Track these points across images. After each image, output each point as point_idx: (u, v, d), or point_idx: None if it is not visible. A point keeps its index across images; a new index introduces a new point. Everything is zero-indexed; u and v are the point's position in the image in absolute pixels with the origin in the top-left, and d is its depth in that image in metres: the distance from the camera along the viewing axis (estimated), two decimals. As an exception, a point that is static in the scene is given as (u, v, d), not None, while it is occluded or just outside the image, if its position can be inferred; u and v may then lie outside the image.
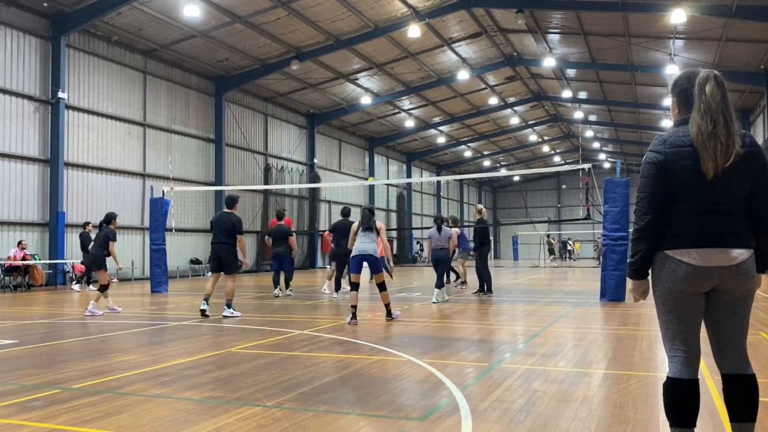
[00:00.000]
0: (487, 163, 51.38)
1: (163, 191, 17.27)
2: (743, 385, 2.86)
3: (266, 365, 5.74)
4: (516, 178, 59.51)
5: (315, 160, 32.67)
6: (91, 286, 17.22)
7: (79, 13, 18.75)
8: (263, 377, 5.20)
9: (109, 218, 11.00)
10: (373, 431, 3.78)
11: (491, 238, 17.15)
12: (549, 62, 27.65)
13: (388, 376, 5.25)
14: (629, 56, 25.74)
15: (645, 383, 4.92)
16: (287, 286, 14.35)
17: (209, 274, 10.56)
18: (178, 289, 16.84)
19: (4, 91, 17.74)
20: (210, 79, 25.73)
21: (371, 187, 37.14)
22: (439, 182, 49.83)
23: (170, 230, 16.78)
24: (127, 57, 21.93)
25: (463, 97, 33.68)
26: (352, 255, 9.18)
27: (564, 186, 54.04)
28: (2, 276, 16.60)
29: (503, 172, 52.53)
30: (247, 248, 11.17)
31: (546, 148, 50.71)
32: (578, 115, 37.88)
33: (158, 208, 16.24)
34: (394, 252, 34.54)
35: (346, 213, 13.42)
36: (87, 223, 17.28)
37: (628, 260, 3.03)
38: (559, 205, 58.14)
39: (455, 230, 13.66)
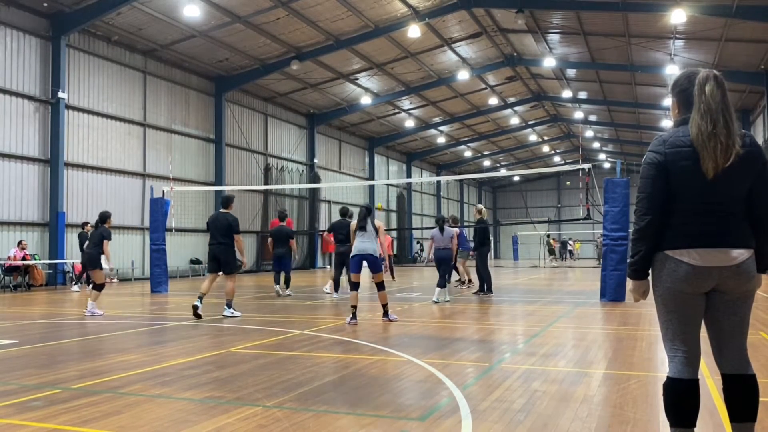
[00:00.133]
0: (487, 163, 51.38)
1: (163, 191, 17.27)
2: (743, 385, 2.86)
3: (266, 365, 5.74)
4: (516, 178, 59.50)
5: (315, 160, 32.67)
6: (91, 286, 17.22)
7: (79, 13, 18.75)
8: (263, 377, 5.20)
9: (104, 217, 10.92)
10: (373, 431, 3.78)
11: (491, 238, 17.14)
12: (549, 62, 27.66)
13: (388, 376, 5.25)
14: (629, 56, 25.74)
15: (645, 383, 4.92)
16: (287, 286, 14.38)
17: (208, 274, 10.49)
18: (178, 289, 16.84)
19: (4, 91, 17.74)
20: (210, 79, 25.73)
21: (371, 188, 37.15)
22: (439, 182, 49.83)
23: (170, 230, 16.78)
24: (127, 57, 21.93)
25: (463, 97, 33.68)
26: (351, 255, 9.18)
27: (568, 182, 54.04)
28: (2, 276, 16.60)
29: (503, 172, 52.53)
30: (245, 248, 11.18)
31: (546, 148, 50.71)
32: (578, 115, 37.88)
33: (158, 208, 16.24)
34: (394, 252, 34.56)
35: (344, 213, 13.43)
36: (86, 223, 17.28)
37: (628, 260, 3.03)
38: (559, 205, 58.15)
39: (455, 230, 13.66)
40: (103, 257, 10.69)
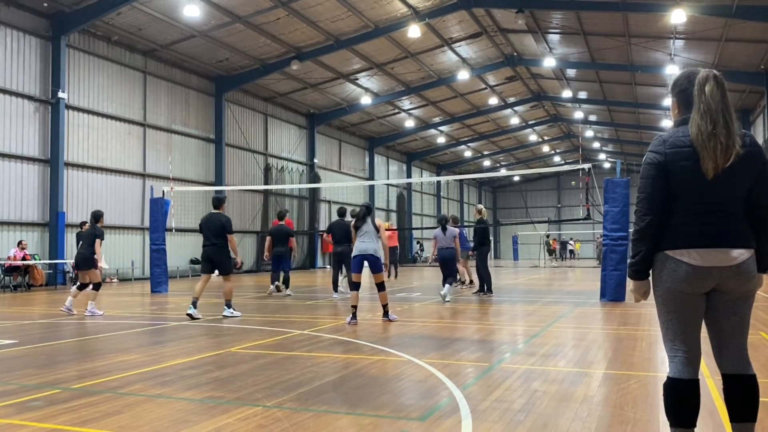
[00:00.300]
0: (487, 163, 51.37)
1: (163, 191, 17.27)
2: (743, 386, 2.86)
3: (266, 365, 5.74)
4: (516, 178, 59.49)
5: (315, 160, 32.66)
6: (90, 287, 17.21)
7: (79, 13, 18.75)
8: (263, 377, 5.20)
9: (97, 216, 10.87)
10: (373, 431, 3.78)
11: (491, 238, 17.14)
12: (549, 62, 27.65)
13: (388, 376, 5.25)
14: (629, 56, 25.74)
15: (645, 383, 4.92)
16: (287, 286, 14.38)
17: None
18: (178, 289, 16.84)
19: (4, 91, 17.74)
20: (210, 79, 25.73)
21: (371, 188, 37.15)
22: (439, 182, 49.82)
23: (170, 230, 16.78)
24: (127, 57, 21.93)
25: (463, 97, 33.68)
26: (352, 255, 9.18)
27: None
28: (2, 276, 16.60)
29: (503, 172, 52.53)
30: (238, 247, 11.16)
31: (546, 148, 50.71)
32: (578, 115, 37.88)
33: (158, 208, 16.24)
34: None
35: (342, 213, 13.43)
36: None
37: (628, 261, 3.04)
38: (559, 205, 58.15)
39: (455, 230, 13.65)
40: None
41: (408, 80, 29.93)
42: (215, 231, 9.88)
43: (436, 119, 37.48)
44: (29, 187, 18.38)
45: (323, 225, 31.52)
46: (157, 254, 15.91)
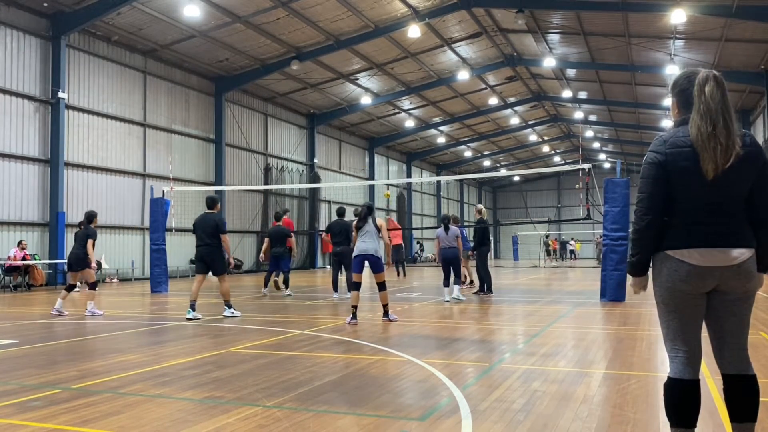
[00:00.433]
0: (487, 163, 51.37)
1: (163, 191, 17.27)
2: (744, 386, 2.87)
3: (266, 365, 5.74)
4: (516, 178, 59.49)
5: (315, 160, 32.66)
6: (87, 288, 17.20)
7: (79, 13, 18.75)
8: (263, 377, 5.20)
9: (90, 217, 10.86)
10: (373, 431, 3.78)
11: (491, 238, 17.15)
12: (549, 62, 27.65)
13: (388, 376, 5.25)
14: (629, 56, 25.73)
15: (645, 383, 4.92)
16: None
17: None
18: (178, 289, 16.83)
19: (4, 91, 17.74)
20: (210, 79, 25.72)
21: (371, 187, 37.15)
22: (439, 182, 49.81)
23: (170, 230, 16.78)
24: (127, 57, 21.92)
25: (463, 97, 33.68)
26: (353, 255, 9.19)
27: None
28: (2, 276, 16.60)
29: (503, 172, 52.52)
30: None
31: (546, 148, 50.71)
32: (578, 115, 37.87)
33: (158, 208, 16.24)
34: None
35: (341, 213, 13.43)
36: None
37: (628, 260, 3.04)
38: (559, 205, 58.14)
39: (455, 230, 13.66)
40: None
41: (408, 80, 29.93)
42: (209, 231, 9.82)
43: (436, 119, 37.48)
44: (29, 187, 18.38)
45: (323, 225, 31.51)
46: (157, 254, 15.90)
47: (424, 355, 6.17)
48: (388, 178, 40.94)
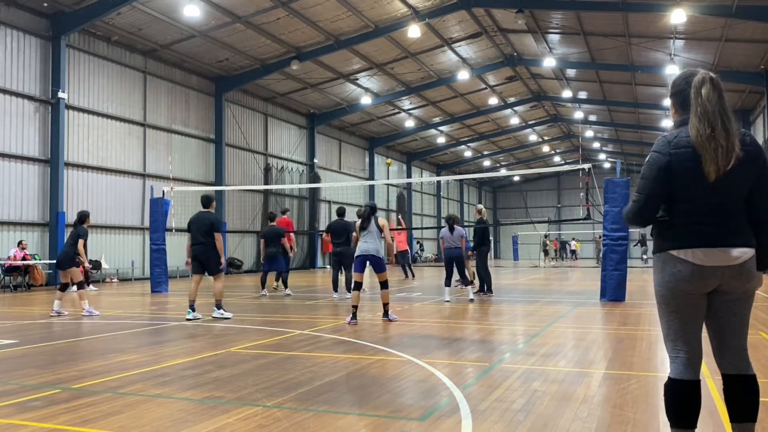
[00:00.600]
0: (487, 163, 51.36)
1: (163, 191, 17.27)
2: (744, 386, 2.87)
3: (266, 365, 5.74)
4: (516, 178, 59.48)
5: (315, 160, 32.66)
6: (91, 286, 17.22)
7: (79, 13, 18.74)
8: (263, 377, 5.20)
9: (82, 217, 10.83)
10: (373, 431, 3.78)
11: (491, 238, 17.16)
12: (549, 62, 27.64)
13: (388, 376, 5.25)
14: (629, 56, 25.73)
15: (645, 383, 4.92)
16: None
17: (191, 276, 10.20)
18: (178, 289, 16.83)
19: (4, 91, 17.74)
20: (210, 79, 25.72)
21: (371, 187, 37.14)
22: (439, 182, 49.80)
23: (170, 230, 16.78)
24: (127, 57, 21.92)
25: (463, 97, 33.67)
26: (355, 255, 9.21)
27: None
28: (2, 276, 16.60)
29: (503, 172, 52.51)
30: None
31: (546, 148, 50.70)
32: (578, 115, 37.86)
33: (158, 208, 16.23)
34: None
35: (341, 213, 13.44)
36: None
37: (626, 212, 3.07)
38: (559, 205, 58.14)
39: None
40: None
41: (408, 80, 29.92)
42: (204, 230, 9.69)
43: (436, 119, 37.47)
44: (29, 187, 18.38)
45: (323, 225, 31.52)
46: (157, 254, 15.91)
47: (424, 355, 6.17)
48: (388, 178, 40.94)
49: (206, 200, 10.08)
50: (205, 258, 9.71)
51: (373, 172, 39.12)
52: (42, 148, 18.69)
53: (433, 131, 39.94)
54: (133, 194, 22.03)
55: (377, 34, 23.76)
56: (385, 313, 9.13)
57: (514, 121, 40.29)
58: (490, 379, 5.09)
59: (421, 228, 43.08)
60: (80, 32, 19.83)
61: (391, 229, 10.80)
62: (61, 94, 18.69)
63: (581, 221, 15.97)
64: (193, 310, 9.53)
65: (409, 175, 44.27)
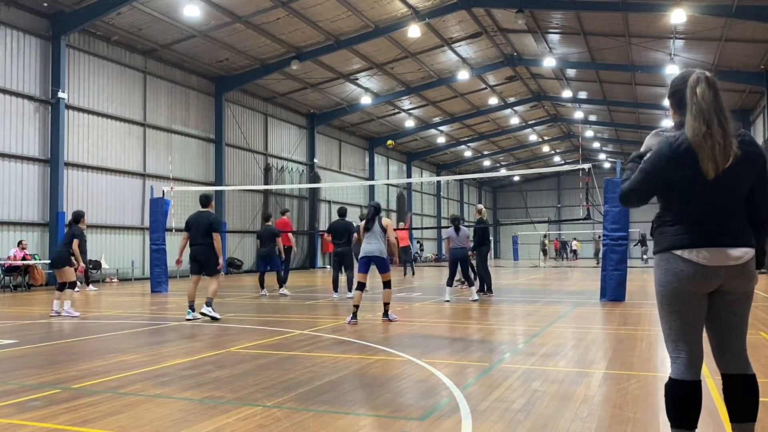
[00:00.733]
0: (487, 163, 51.36)
1: (163, 191, 17.26)
2: (743, 385, 2.87)
3: (266, 365, 5.74)
4: (516, 178, 59.47)
5: (315, 160, 32.66)
6: (91, 286, 17.23)
7: (79, 13, 18.74)
8: (263, 377, 5.20)
9: (77, 217, 10.81)
10: (373, 431, 3.78)
11: (491, 238, 17.16)
12: (549, 62, 27.64)
13: (388, 376, 5.25)
14: (629, 56, 25.73)
15: (645, 383, 4.92)
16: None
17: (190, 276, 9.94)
18: (179, 289, 16.83)
19: (4, 91, 17.73)
20: (210, 79, 25.72)
21: (371, 187, 37.14)
22: (439, 182, 49.80)
23: (170, 230, 16.78)
24: (127, 57, 21.92)
25: (463, 97, 33.66)
26: (360, 256, 9.25)
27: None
28: (2, 276, 16.60)
29: (503, 172, 52.51)
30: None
31: (546, 148, 50.69)
32: (578, 115, 37.86)
33: (158, 208, 16.23)
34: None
35: (342, 213, 13.45)
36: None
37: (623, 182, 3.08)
38: (559, 205, 58.14)
39: (446, 231, 13.70)
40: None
41: (408, 80, 29.92)
42: (203, 230, 9.55)
43: (436, 119, 37.47)
44: (29, 187, 18.38)
45: (323, 225, 31.52)
46: (157, 254, 15.91)
47: (424, 355, 6.17)
48: (388, 178, 40.95)
49: (205, 200, 9.96)
50: (204, 258, 9.58)
51: (373, 172, 39.12)
52: (42, 148, 18.69)
53: (433, 131, 39.94)
54: (133, 194, 22.02)
55: (377, 34, 23.75)
56: (385, 313, 9.13)
57: (514, 121, 40.28)
58: (490, 379, 5.09)
59: (421, 228, 43.06)
60: (80, 32, 19.82)
61: (394, 229, 10.81)
62: (61, 94, 18.69)
63: (581, 221, 15.97)
64: (193, 310, 9.50)
65: (409, 175, 44.27)
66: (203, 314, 9.41)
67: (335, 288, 13.45)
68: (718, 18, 19.99)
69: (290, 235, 16.06)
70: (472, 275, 12.90)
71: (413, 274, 22.69)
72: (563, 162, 54.17)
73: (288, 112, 31.10)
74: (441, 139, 42.31)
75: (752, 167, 2.79)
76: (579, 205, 16.51)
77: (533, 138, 46.73)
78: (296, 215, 30.63)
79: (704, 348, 2.93)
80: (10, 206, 17.79)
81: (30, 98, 18.40)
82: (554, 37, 25.86)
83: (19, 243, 17.00)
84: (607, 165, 46.20)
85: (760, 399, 2.94)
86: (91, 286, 17.23)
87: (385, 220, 9.35)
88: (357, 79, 28.78)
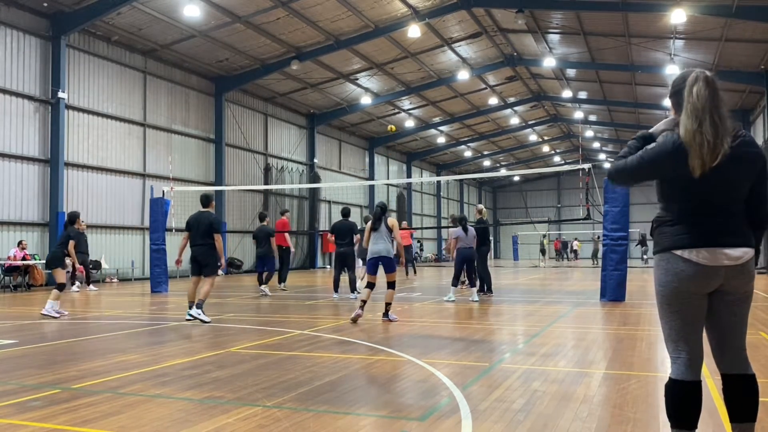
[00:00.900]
0: (487, 163, 51.36)
1: (163, 191, 17.26)
2: (743, 386, 2.87)
3: (266, 365, 5.74)
4: (516, 178, 59.47)
5: (315, 160, 32.66)
6: (91, 286, 17.23)
7: (79, 13, 18.74)
8: (263, 377, 5.20)
9: (72, 218, 10.79)
10: (373, 431, 3.78)
11: (491, 238, 17.17)
12: (549, 62, 27.63)
13: (388, 376, 5.25)
14: (629, 56, 25.72)
15: (645, 383, 4.92)
16: (262, 283, 14.23)
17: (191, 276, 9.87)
18: (179, 289, 16.82)
19: (4, 91, 17.73)
20: (210, 79, 25.72)
21: (371, 187, 37.13)
22: (439, 182, 49.81)
23: (170, 230, 16.78)
24: (127, 57, 21.92)
25: (463, 97, 33.66)
26: (367, 258, 9.29)
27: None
28: (2, 276, 16.59)
29: (503, 172, 52.50)
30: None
31: (546, 148, 50.69)
32: (578, 115, 37.86)
33: (158, 208, 16.23)
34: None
35: (346, 213, 13.45)
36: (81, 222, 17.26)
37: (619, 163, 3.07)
38: (559, 205, 58.15)
39: (453, 230, 13.71)
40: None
41: (408, 80, 29.92)
42: (203, 230, 9.47)
43: (436, 119, 37.47)
44: (29, 187, 18.38)
45: (323, 225, 31.52)
46: (157, 254, 15.90)
47: (424, 355, 6.17)
48: (388, 178, 40.96)
49: (205, 200, 9.91)
50: (204, 259, 9.51)
51: (373, 172, 39.12)
52: (42, 148, 18.69)
53: (433, 131, 39.93)
54: (133, 194, 22.03)
55: (377, 34, 23.75)
56: (386, 313, 9.14)
57: (514, 121, 40.28)
58: (490, 379, 5.09)
59: (421, 228, 43.05)
60: (80, 32, 19.82)
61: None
62: (61, 94, 18.69)
63: (581, 221, 15.97)
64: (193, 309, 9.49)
65: (409, 175, 44.27)
66: (193, 317, 9.17)
67: (336, 288, 13.44)
68: (718, 18, 19.99)
69: (287, 235, 16.04)
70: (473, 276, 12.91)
71: (414, 273, 22.86)
72: (563, 162, 54.17)
73: (288, 112, 31.10)
74: (441, 139, 42.31)
75: (752, 168, 2.80)
76: (579, 205, 16.50)
77: (533, 138, 46.73)
78: (296, 215, 30.63)
79: (704, 348, 2.94)
80: (10, 206, 17.79)
81: (30, 98, 18.40)
82: (554, 37, 25.86)
83: (19, 243, 17.00)
84: (607, 165, 46.16)
85: (760, 399, 2.94)
86: (91, 286, 17.24)
87: (390, 220, 9.37)
88: (357, 79, 28.77)
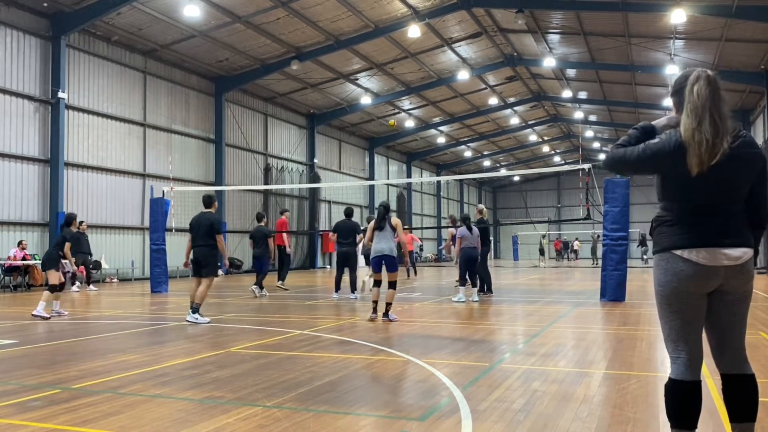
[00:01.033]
0: (487, 163, 51.36)
1: (163, 191, 17.26)
2: (743, 385, 2.87)
3: (266, 365, 5.74)
4: (516, 178, 59.47)
5: (315, 160, 32.66)
6: (92, 286, 17.23)
7: (79, 13, 18.74)
8: (263, 377, 5.20)
9: (69, 220, 10.85)
10: (373, 431, 3.78)
11: (491, 238, 17.16)
12: (549, 62, 27.63)
13: (388, 376, 5.25)
14: (629, 56, 25.72)
15: (645, 383, 4.92)
16: (256, 282, 14.24)
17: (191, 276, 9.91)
18: (178, 289, 16.83)
19: (4, 91, 17.73)
20: (210, 79, 25.72)
21: (371, 187, 37.12)
22: (439, 182, 49.82)
23: (170, 230, 16.78)
24: (127, 57, 21.92)
25: (463, 97, 33.66)
26: (371, 256, 9.34)
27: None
28: (2, 276, 16.60)
29: (503, 172, 52.50)
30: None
31: (546, 148, 50.70)
32: (578, 115, 37.86)
33: (158, 208, 16.23)
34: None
35: (348, 213, 13.45)
36: (81, 222, 17.28)
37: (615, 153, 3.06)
38: (559, 205, 58.15)
39: (451, 230, 13.71)
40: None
41: (408, 80, 29.92)
42: (203, 231, 9.47)
43: (436, 119, 37.46)
44: (29, 187, 18.38)
45: (323, 225, 31.52)
46: (157, 254, 15.90)
47: (424, 355, 6.17)
48: (388, 178, 40.96)
49: (207, 200, 9.91)
50: (204, 260, 9.48)
51: (373, 172, 39.12)
52: (42, 148, 18.69)
53: (433, 131, 39.94)
54: (133, 194, 22.02)
55: (377, 34, 23.75)
56: (386, 313, 9.14)
57: (514, 121, 40.28)
58: (490, 379, 5.09)
59: (421, 228, 43.04)
60: (80, 32, 19.82)
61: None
62: (61, 94, 18.69)
63: (581, 221, 15.97)
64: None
65: (409, 175, 44.28)
66: (189, 322, 9.08)
67: (337, 288, 13.43)
68: (718, 18, 19.99)
69: (284, 235, 16.03)
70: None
71: (415, 274, 22.89)
72: (563, 162, 54.16)
73: (288, 112, 31.10)
74: (441, 139, 42.31)
75: (752, 168, 2.80)
76: (579, 205, 16.50)
77: (533, 138, 46.73)
78: (296, 215, 30.62)
79: (704, 348, 2.94)
80: (10, 206, 17.79)
81: (30, 98, 18.39)
82: (554, 37, 25.86)
83: (19, 243, 16.99)
84: (606, 165, 46.11)
85: (760, 399, 2.94)
86: (91, 286, 17.24)
87: (394, 220, 9.39)
88: (357, 79, 28.77)
